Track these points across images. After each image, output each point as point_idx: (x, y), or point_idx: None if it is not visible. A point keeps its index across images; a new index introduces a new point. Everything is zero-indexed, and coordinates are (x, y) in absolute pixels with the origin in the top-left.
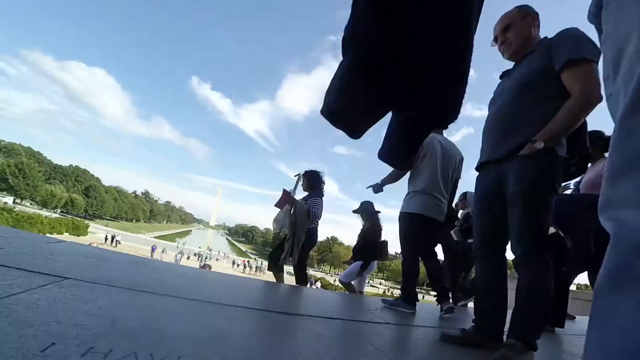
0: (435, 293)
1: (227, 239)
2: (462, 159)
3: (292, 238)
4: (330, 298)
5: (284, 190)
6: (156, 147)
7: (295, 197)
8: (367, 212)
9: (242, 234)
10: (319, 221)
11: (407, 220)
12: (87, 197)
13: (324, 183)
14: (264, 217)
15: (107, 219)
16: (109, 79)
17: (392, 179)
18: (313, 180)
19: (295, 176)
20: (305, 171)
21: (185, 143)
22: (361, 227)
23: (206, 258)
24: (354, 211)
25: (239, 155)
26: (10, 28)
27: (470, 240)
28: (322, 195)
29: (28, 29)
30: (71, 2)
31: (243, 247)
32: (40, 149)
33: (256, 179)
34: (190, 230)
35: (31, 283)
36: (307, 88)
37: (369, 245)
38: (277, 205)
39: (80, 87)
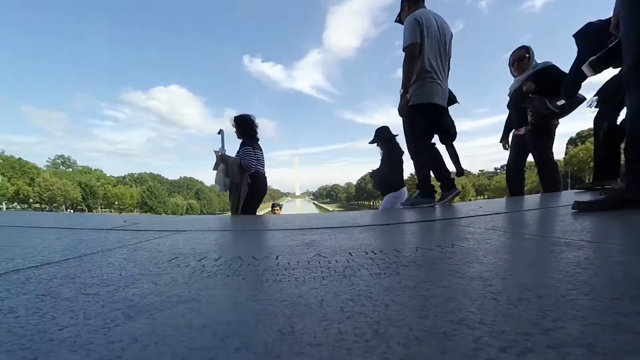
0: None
1: (313, 203)
2: (452, 35)
3: (235, 193)
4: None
5: (214, 151)
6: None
7: (225, 152)
8: (382, 139)
9: (325, 195)
10: (263, 168)
11: (415, 112)
12: (199, 200)
13: (257, 126)
14: (341, 173)
15: (217, 214)
16: (182, 91)
17: (408, 76)
18: (242, 126)
19: (218, 133)
20: (234, 118)
21: None
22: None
23: None
24: (370, 142)
25: (303, 119)
26: (107, 77)
27: (555, 104)
28: (255, 141)
29: (116, 72)
30: (131, 36)
31: (330, 207)
32: (157, 172)
33: (326, 137)
34: (282, 205)
35: (161, 235)
36: (354, 14)
37: (392, 174)
38: (213, 168)
39: (166, 109)
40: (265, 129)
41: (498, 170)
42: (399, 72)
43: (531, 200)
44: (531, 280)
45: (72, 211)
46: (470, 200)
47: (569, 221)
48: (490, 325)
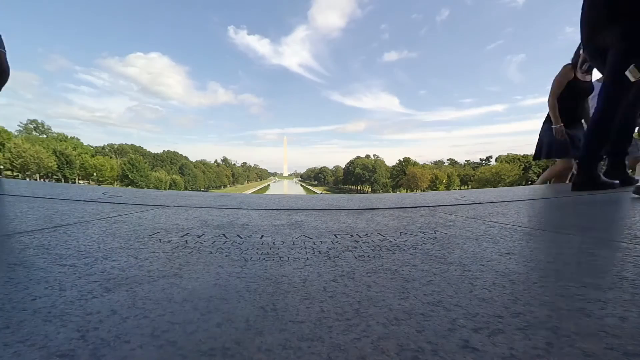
0: None
1: (301, 185)
2: None
3: None
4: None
5: None
6: (217, 113)
7: None
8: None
9: (313, 177)
10: None
11: None
12: (183, 175)
13: None
14: (330, 155)
15: (202, 191)
16: (164, 59)
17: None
18: None
19: None
20: None
21: (240, 101)
22: None
23: None
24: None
25: (290, 97)
26: (83, 39)
27: None
28: None
29: (92, 35)
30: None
31: (318, 190)
32: (139, 144)
33: (314, 118)
34: (269, 185)
35: (142, 209)
36: None
37: None
38: None
39: (146, 77)
40: (250, 105)
41: (483, 162)
42: (387, 57)
43: (513, 191)
44: (506, 267)
45: (48, 180)
46: (454, 189)
47: (547, 213)
48: (465, 307)
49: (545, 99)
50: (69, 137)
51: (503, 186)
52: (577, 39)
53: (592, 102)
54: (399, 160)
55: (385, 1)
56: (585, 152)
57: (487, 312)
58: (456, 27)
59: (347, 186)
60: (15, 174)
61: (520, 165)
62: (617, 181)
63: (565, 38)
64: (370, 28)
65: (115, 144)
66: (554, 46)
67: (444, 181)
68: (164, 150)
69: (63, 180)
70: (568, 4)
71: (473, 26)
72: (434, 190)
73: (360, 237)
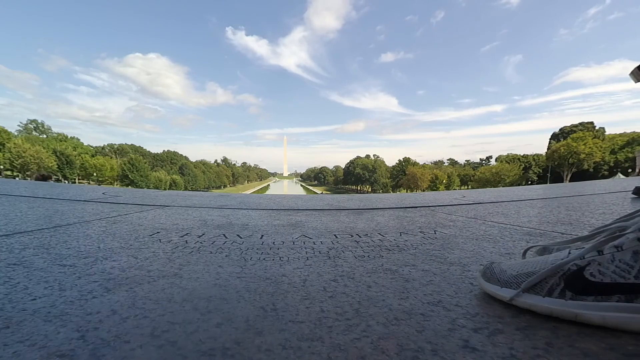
0: None
1: (301, 185)
2: None
3: None
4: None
5: None
6: (217, 113)
7: None
8: None
9: (313, 177)
10: None
11: None
12: (183, 175)
13: None
14: (329, 155)
15: (201, 191)
16: (163, 60)
17: None
18: None
19: None
20: None
21: (238, 101)
22: None
23: None
24: None
25: (289, 97)
26: (83, 41)
27: None
28: None
29: (88, 36)
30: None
31: (318, 190)
32: (139, 144)
33: (313, 118)
34: (269, 185)
35: (142, 209)
36: None
37: None
38: None
39: (145, 78)
40: (249, 105)
41: (483, 162)
42: (384, 58)
43: (513, 191)
44: None
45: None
46: (454, 189)
47: (547, 212)
48: (465, 307)
49: (543, 99)
50: (69, 137)
51: (503, 186)
52: (572, 39)
53: None
54: (399, 160)
55: (380, 3)
56: None
57: (487, 312)
58: (451, 29)
59: (347, 186)
60: (15, 174)
61: (520, 165)
62: None
63: (561, 40)
64: (366, 29)
65: (115, 144)
66: (550, 47)
67: (444, 181)
68: (163, 150)
69: (63, 179)
70: (560, 6)
71: (469, 27)
72: (434, 190)
73: (360, 237)
